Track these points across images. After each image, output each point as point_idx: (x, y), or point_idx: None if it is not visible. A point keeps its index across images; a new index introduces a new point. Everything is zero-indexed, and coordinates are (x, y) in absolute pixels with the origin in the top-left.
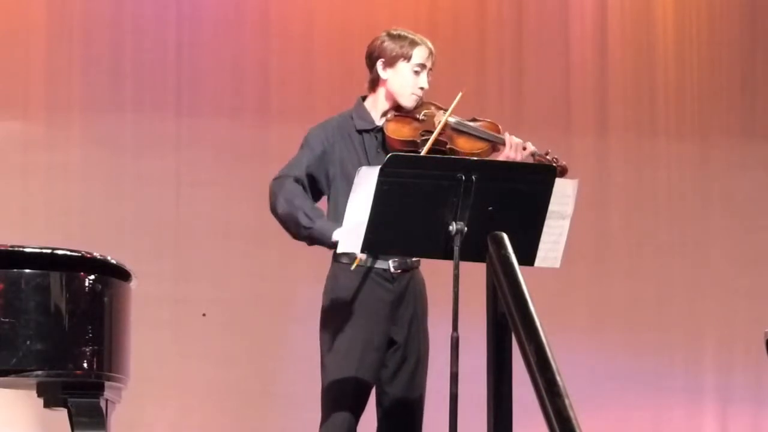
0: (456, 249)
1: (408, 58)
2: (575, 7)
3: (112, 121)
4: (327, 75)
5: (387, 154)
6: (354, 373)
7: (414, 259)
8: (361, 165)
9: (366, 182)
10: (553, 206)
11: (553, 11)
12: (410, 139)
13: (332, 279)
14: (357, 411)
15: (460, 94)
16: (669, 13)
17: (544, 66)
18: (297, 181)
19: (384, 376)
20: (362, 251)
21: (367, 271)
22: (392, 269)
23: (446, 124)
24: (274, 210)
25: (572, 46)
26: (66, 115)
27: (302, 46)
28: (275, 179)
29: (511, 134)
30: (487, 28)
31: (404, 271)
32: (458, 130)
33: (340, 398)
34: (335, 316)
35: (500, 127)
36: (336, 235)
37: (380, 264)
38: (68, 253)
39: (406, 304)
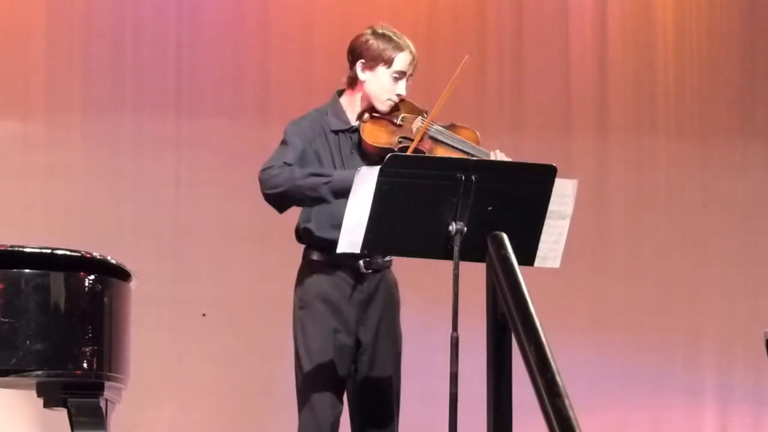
0: (456, 249)
1: (389, 63)
2: (575, 7)
3: (112, 121)
4: (327, 75)
5: (361, 155)
6: (329, 369)
7: (386, 259)
8: (334, 165)
9: (366, 182)
10: (552, 206)
11: (553, 11)
12: (387, 146)
13: (302, 276)
14: (338, 405)
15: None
16: (669, 13)
17: (544, 66)
18: (286, 165)
19: (354, 377)
20: (362, 251)
21: (336, 270)
22: (362, 269)
23: (425, 133)
24: (273, 194)
25: (572, 46)
26: (66, 115)
27: (302, 46)
28: (262, 171)
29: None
30: (487, 28)
31: (375, 271)
32: (437, 140)
33: (322, 394)
34: (306, 313)
35: (479, 135)
36: (363, 168)
37: (350, 263)
38: (68, 253)
39: (375, 304)
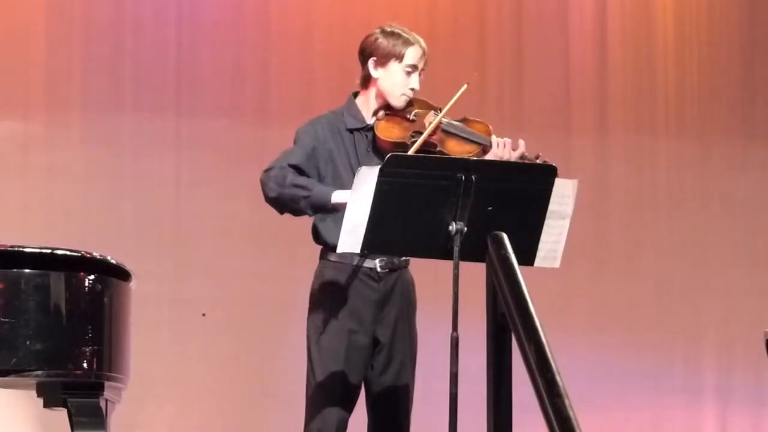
0: (456, 249)
1: (400, 58)
2: (575, 7)
3: (112, 121)
4: (327, 75)
5: (377, 154)
6: (340, 372)
7: (403, 258)
8: (350, 164)
9: (366, 182)
10: (553, 206)
11: (553, 11)
12: (400, 140)
13: (319, 277)
14: (347, 410)
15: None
16: (669, 13)
17: (544, 66)
18: (286, 168)
19: (370, 377)
20: (362, 251)
21: (353, 270)
22: (378, 269)
23: (437, 126)
24: (267, 197)
25: (572, 46)
26: (66, 115)
27: (302, 46)
28: (265, 171)
29: (503, 136)
30: (487, 28)
31: (391, 270)
32: (448, 132)
33: (330, 397)
34: (321, 315)
35: (491, 127)
36: (335, 196)
37: (367, 263)
38: (68, 253)
39: (392, 304)
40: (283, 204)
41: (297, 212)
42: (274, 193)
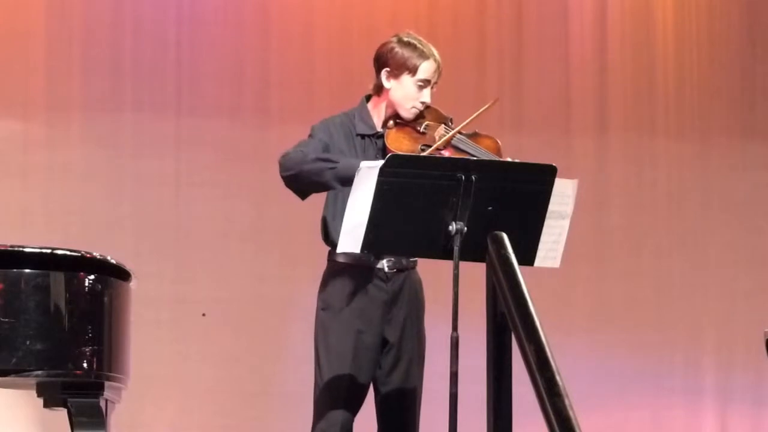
0: (456, 249)
1: (413, 71)
2: (575, 7)
3: (112, 121)
4: (327, 75)
5: None
6: (348, 373)
7: (411, 259)
8: None
9: (366, 182)
10: (553, 206)
11: (553, 11)
12: (409, 153)
13: (327, 278)
14: (353, 410)
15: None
16: (669, 13)
17: (544, 66)
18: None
19: (379, 376)
20: (362, 251)
21: (361, 271)
22: (386, 269)
23: (447, 141)
24: (288, 176)
25: (572, 46)
26: (66, 115)
27: (302, 46)
28: (283, 155)
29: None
30: (487, 27)
31: (399, 271)
32: (458, 149)
33: (336, 398)
34: (329, 315)
35: (500, 143)
36: (364, 165)
37: (375, 264)
38: (68, 253)
39: (400, 304)
40: (303, 180)
41: (321, 186)
42: (294, 171)
